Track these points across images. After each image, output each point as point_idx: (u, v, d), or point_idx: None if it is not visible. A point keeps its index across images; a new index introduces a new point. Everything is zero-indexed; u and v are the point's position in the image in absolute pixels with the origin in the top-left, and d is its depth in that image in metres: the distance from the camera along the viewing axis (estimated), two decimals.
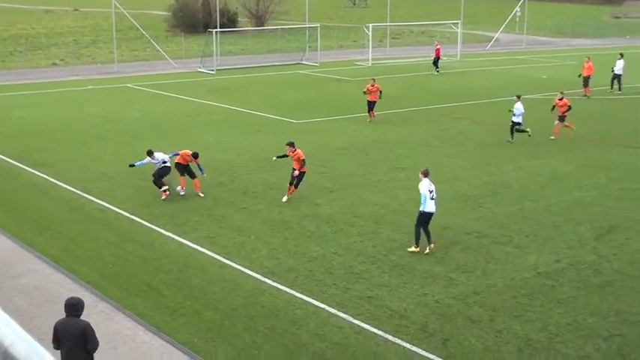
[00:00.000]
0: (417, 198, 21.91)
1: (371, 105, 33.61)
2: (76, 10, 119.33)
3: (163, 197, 22.19)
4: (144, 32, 60.40)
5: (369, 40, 59.25)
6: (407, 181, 24.09)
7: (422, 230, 17.81)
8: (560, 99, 30.56)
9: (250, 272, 16.87)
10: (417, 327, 14.23)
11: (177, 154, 22.65)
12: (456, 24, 63.82)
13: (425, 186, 17.76)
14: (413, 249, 17.85)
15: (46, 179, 24.74)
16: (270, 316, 14.74)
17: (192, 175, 22.58)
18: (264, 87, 46.26)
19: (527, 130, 29.39)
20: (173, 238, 19.10)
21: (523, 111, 29.32)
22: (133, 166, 22.81)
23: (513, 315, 14.72)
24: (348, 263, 17.34)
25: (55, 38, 75.69)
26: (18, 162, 26.90)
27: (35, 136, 31.32)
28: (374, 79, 34.02)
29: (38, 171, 25.62)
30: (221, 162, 26.80)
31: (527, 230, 19.63)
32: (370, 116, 33.72)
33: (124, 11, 58.37)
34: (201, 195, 22.39)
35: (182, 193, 22.46)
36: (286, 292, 15.83)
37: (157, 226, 20.00)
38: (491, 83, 46.21)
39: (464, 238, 19.06)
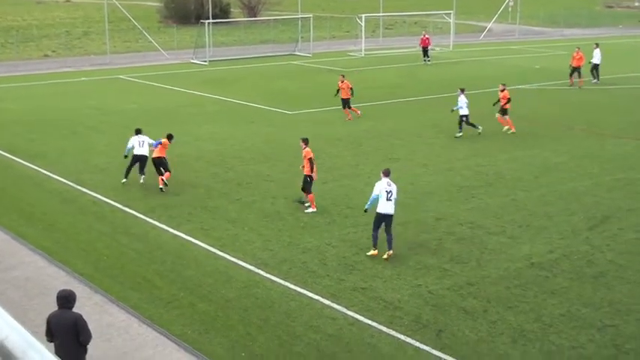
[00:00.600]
0: (410, 189, 22.14)
1: (344, 102, 32.46)
2: (67, 1, 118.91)
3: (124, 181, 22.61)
4: (136, 23, 60.22)
5: (361, 31, 59.14)
6: (401, 172, 24.01)
7: (378, 233, 17.13)
8: (502, 90, 29.59)
9: (244, 264, 16.85)
10: (411, 318, 14.24)
11: (160, 143, 22.41)
12: (448, 14, 63.78)
13: (380, 186, 17.09)
14: (371, 252, 17.21)
15: (39, 171, 24.66)
16: (264, 307, 14.73)
17: (166, 169, 22.20)
18: (257, 78, 46.16)
19: (479, 127, 28.95)
20: (167, 230, 19.06)
21: (467, 101, 28.70)
22: (127, 157, 22.84)
23: (507, 306, 14.75)
24: (342, 254, 17.34)
25: (46, 30, 75.37)
26: (9, 154, 26.80)
27: (27, 128, 31.21)
28: (343, 76, 33.34)
29: (30, 163, 25.54)
30: (215, 153, 26.75)
31: (521, 220, 19.65)
32: (348, 115, 32.38)
33: (116, 2, 58.17)
34: (163, 189, 22.06)
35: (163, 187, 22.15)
36: (280, 283, 15.83)
37: (150, 218, 19.96)
38: (484, 73, 46.19)
39: (457, 229, 19.07)
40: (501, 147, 27.62)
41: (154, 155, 22.20)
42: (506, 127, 29.69)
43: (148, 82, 44.23)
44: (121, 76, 46.86)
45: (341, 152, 26.77)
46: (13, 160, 26.14)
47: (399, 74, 47.35)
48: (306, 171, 20.20)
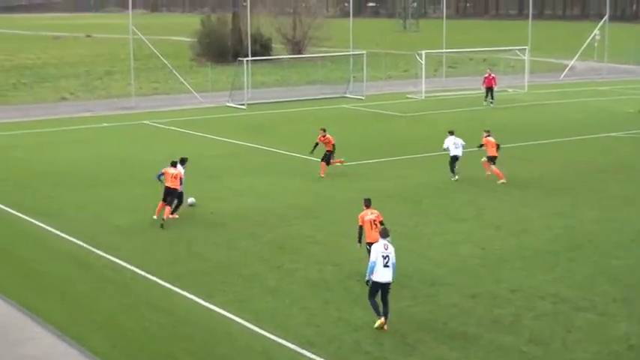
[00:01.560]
0: (481, 254, 21.79)
1: (327, 156, 32.06)
2: (88, 36, 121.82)
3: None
4: (165, 61, 61.12)
5: (421, 69, 59.22)
6: (468, 234, 23.76)
7: (376, 301, 17.10)
8: (487, 137, 30.63)
9: (285, 342, 16.63)
10: None
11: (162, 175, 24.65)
12: (522, 50, 63.62)
13: (377, 250, 17.03)
14: (378, 323, 17.07)
15: (50, 231, 24.85)
16: None
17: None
18: (302, 124, 46.32)
19: (456, 176, 30.27)
20: (196, 302, 18.97)
21: (464, 143, 30.49)
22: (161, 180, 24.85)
23: None
24: (400, 332, 17.01)
25: (64, 69, 77.13)
26: (17, 211, 27.09)
27: (39, 181, 31.65)
28: (324, 130, 32.71)
29: (41, 221, 25.75)
30: (255, 210, 26.73)
31: (615, 293, 19.14)
32: (322, 171, 31.84)
33: (143, 37, 59.18)
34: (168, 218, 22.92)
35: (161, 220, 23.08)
36: None
37: (177, 287, 19.89)
38: (563, 118, 45.80)
39: (538, 303, 18.63)
40: (588, 204, 27.13)
41: (167, 184, 23.31)
42: (488, 173, 30.55)
43: (177, 129, 44.70)
44: (146, 122, 47.48)
45: (397, 209, 26.42)
46: (22, 218, 26.41)
47: (464, 119, 47.02)
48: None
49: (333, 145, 32.27)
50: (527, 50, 63.29)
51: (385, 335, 16.90)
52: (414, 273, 20.48)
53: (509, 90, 58.64)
